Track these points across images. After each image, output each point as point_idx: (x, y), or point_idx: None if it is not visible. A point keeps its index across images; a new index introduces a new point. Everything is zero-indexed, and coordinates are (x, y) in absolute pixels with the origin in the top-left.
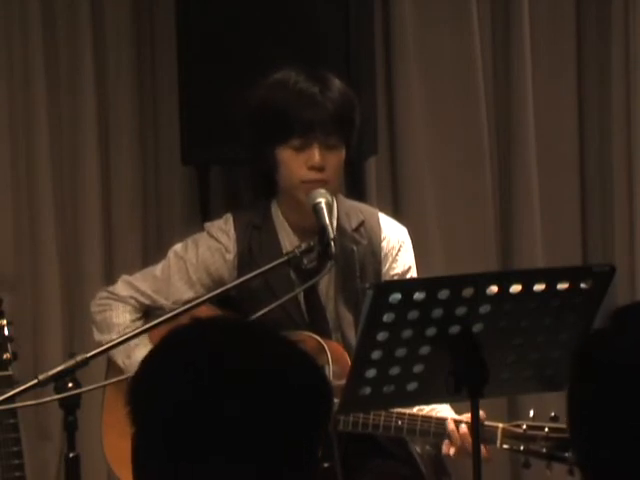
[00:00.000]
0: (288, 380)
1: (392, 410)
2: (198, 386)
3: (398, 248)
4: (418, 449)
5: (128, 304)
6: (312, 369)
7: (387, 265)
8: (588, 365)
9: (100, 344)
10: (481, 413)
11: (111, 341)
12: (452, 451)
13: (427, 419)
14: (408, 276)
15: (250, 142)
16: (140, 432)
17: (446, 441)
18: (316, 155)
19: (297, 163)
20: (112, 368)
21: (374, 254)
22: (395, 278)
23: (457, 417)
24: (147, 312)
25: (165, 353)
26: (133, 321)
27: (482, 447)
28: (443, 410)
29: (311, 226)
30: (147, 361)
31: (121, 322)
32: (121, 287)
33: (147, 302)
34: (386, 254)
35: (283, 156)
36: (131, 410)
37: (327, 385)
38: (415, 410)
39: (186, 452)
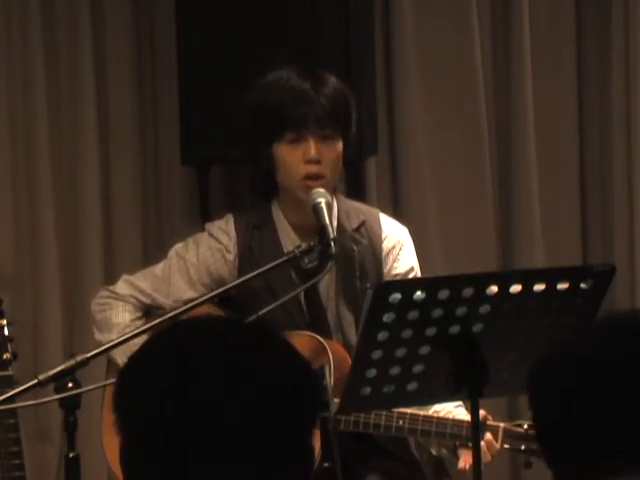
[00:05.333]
0: (274, 379)
1: (393, 410)
2: (178, 389)
3: (399, 248)
4: (416, 453)
5: (128, 303)
6: (296, 366)
7: (388, 266)
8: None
9: (100, 343)
10: (483, 413)
11: (111, 341)
12: (469, 465)
13: (429, 419)
14: (411, 277)
15: (247, 143)
16: (128, 437)
17: (465, 453)
18: (311, 148)
19: (294, 159)
20: (112, 368)
21: (375, 254)
22: (397, 279)
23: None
24: (148, 312)
25: (147, 357)
26: (133, 320)
27: (483, 444)
28: (459, 414)
29: (312, 226)
30: (129, 366)
31: (120, 321)
32: (121, 286)
33: (147, 301)
34: (387, 254)
35: (280, 153)
36: (117, 417)
37: (313, 379)
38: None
39: (171, 455)
